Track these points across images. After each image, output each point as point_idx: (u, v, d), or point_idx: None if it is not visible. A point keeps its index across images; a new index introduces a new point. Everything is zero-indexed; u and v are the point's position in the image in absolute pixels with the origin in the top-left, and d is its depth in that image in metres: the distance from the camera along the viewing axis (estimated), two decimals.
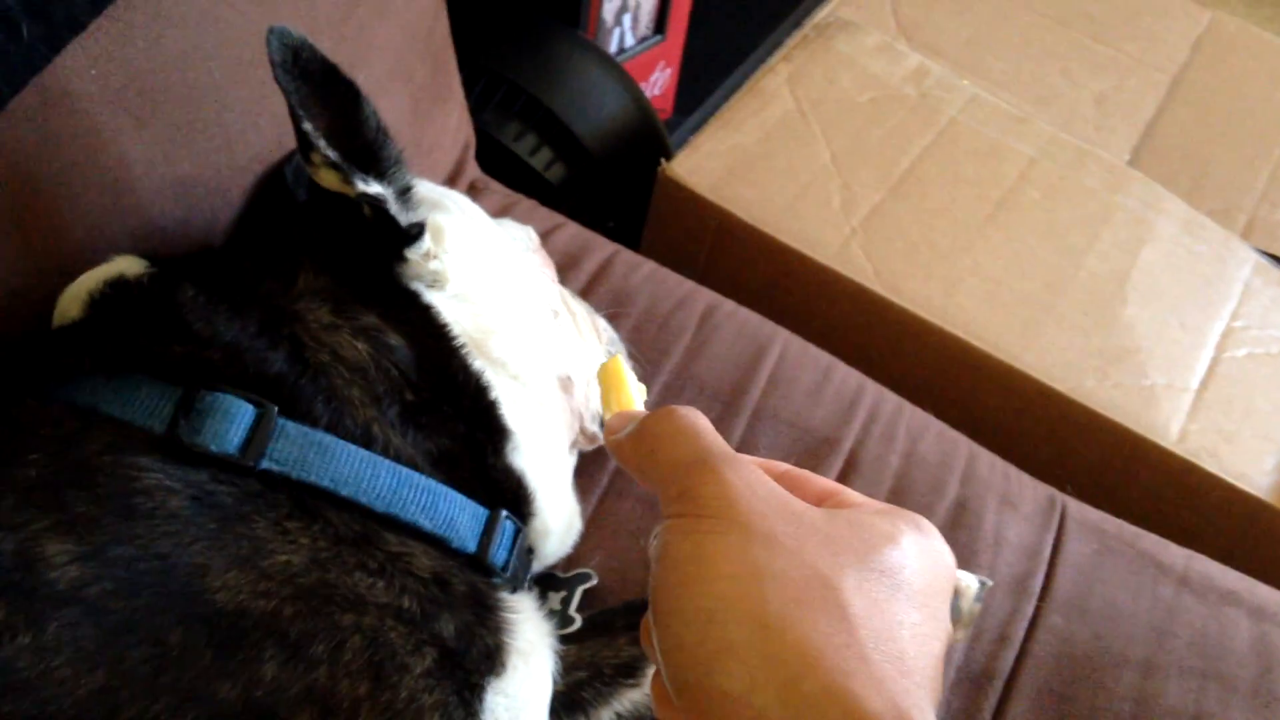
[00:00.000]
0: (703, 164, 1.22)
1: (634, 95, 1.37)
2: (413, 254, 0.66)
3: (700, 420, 0.45)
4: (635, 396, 0.54)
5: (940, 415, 0.98)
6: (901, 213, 1.23)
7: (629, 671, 0.72)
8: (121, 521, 0.52)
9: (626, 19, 1.54)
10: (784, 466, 0.47)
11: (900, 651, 0.37)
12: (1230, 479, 1.06)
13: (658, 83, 1.68)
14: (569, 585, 0.76)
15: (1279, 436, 1.10)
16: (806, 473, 0.47)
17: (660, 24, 1.59)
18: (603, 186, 1.34)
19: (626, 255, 1.00)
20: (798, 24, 1.54)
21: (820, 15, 1.49)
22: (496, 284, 0.71)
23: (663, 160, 1.22)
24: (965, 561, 0.81)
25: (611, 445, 0.48)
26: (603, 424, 0.60)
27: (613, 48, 1.54)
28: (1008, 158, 1.31)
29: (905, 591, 0.39)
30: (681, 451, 0.43)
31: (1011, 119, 1.36)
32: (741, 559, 0.38)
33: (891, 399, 0.94)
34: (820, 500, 0.44)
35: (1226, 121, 1.51)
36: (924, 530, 0.42)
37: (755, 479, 0.41)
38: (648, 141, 1.38)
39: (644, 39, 1.59)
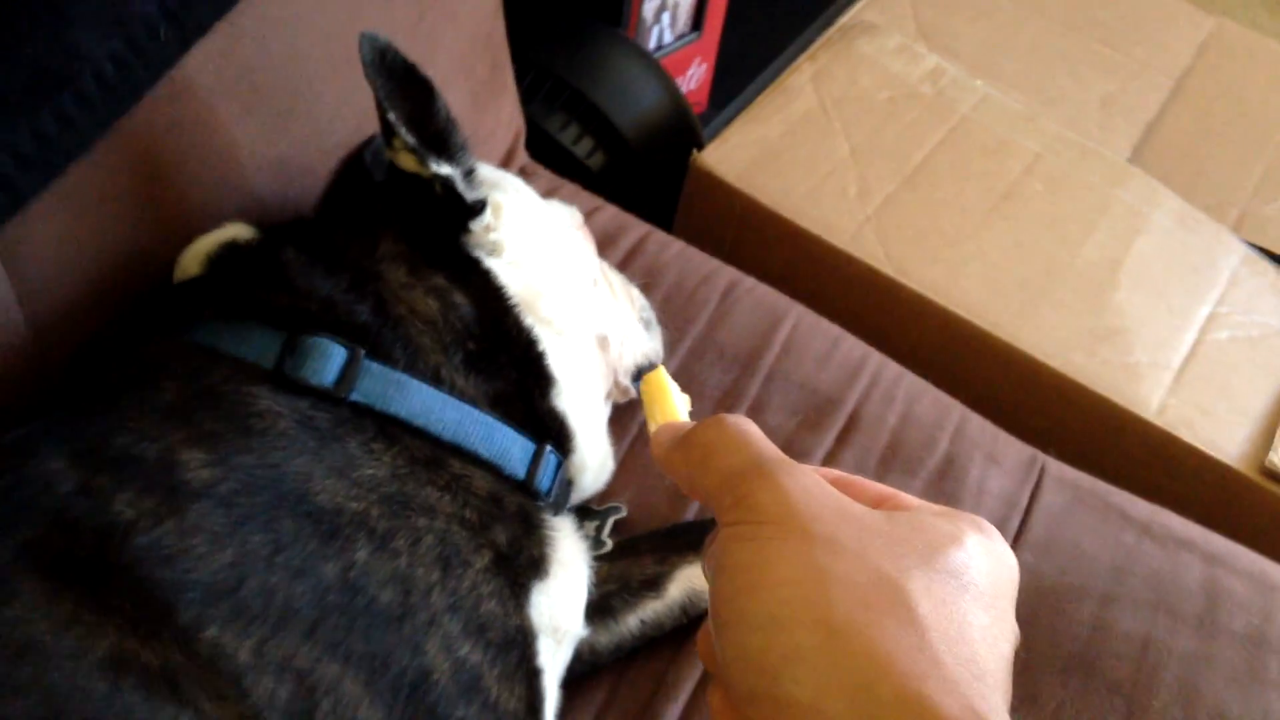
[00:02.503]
0: (731, 155, 1.33)
1: (670, 90, 1.47)
2: (475, 226, 0.77)
3: (750, 427, 0.44)
4: (679, 407, 0.55)
5: (939, 386, 1.06)
6: (913, 202, 1.32)
7: (652, 586, 0.83)
8: (241, 436, 0.63)
9: (665, 17, 1.61)
10: (837, 473, 0.46)
11: (972, 654, 0.36)
12: (1204, 448, 1.15)
13: (694, 77, 1.74)
14: (602, 516, 0.87)
15: (1252, 411, 1.19)
16: (860, 479, 0.46)
17: (697, 22, 1.65)
18: (639, 174, 1.44)
19: (659, 235, 1.11)
20: (828, 24, 1.62)
21: (846, 17, 1.58)
22: (545, 254, 0.82)
23: (694, 150, 1.33)
24: (950, 506, 0.92)
25: (659, 457, 0.48)
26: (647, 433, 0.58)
27: (652, 44, 1.60)
28: (1014, 153, 1.40)
29: (972, 592, 0.38)
30: (734, 460, 0.42)
31: (1020, 117, 1.45)
32: (804, 563, 0.38)
33: (893, 367, 1.05)
34: (877, 504, 0.43)
35: (1225, 123, 1.57)
36: (985, 531, 0.41)
37: (812, 483, 0.41)
38: (681, 133, 1.47)
39: (681, 36, 1.65)
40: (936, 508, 0.42)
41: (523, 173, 1.14)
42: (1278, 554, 1.00)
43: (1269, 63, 1.68)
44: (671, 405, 0.55)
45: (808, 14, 1.90)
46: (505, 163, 1.13)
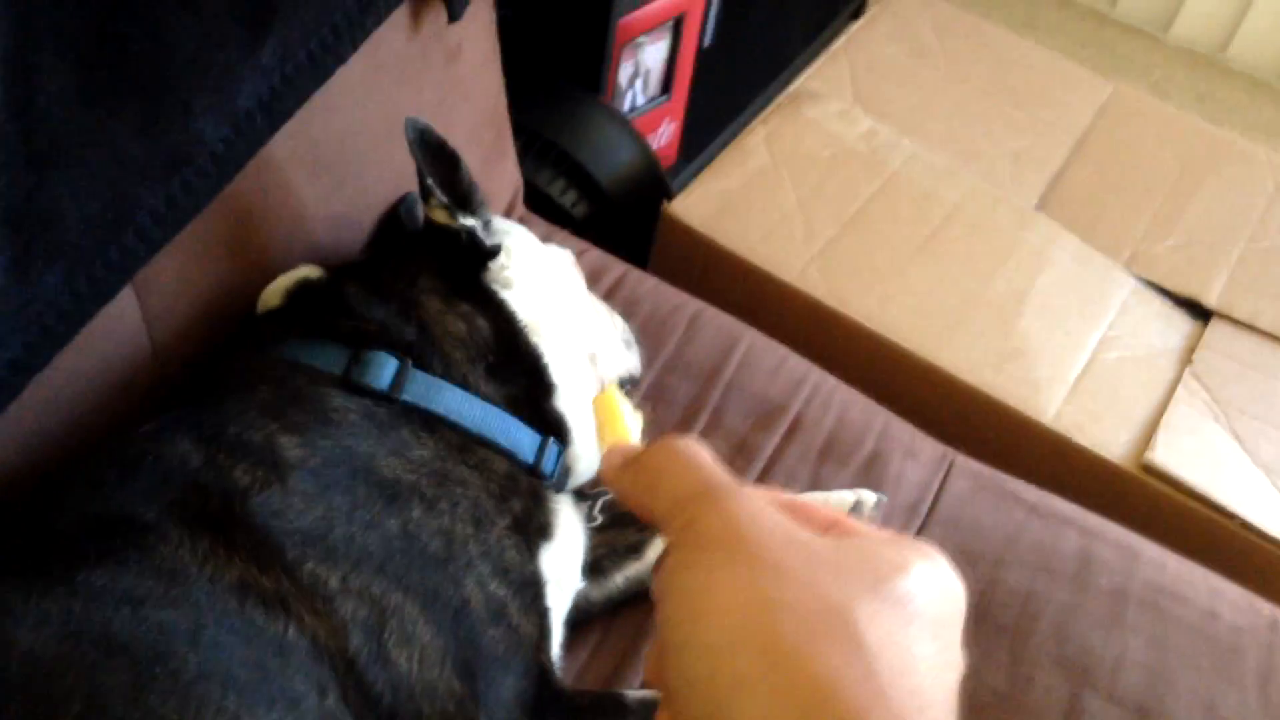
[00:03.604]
0: (696, 205, 1.51)
1: (642, 149, 1.61)
2: (493, 266, 0.93)
3: (700, 451, 0.43)
4: (630, 427, 0.54)
5: (870, 397, 1.24)
6: (851, 244, 1.50)
7: (634, 550, 1.00)
8: (322, 425, 0.77)
9: (639, 83, 1.74)
10: (787, 496, 0.45)
11: (917, 685, 0.35)
12: (1093, 448, 1.33)
13: (664, 134, 1.85)
14: (593, 498, 1.06)
15: (1135, 418, 1.38)
16: (809, 502, 0.44)
17: (667, 85, 1.77)
18: (617, 220, 1.60)
19: (635, 273, 1.29)
20: (782, 87, 1.78)
21: (795, 85, 1.76)
22: (547, 287, 0.98)
23: (665, 201, 1.52)
24: (873, 490, 1.13)
25: (609, 479, 0.47)
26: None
27: (626, 106, 1.73)
28: (937, 202, 1.57)
29: (919, 621, 0.37)
30: (682, 484, 0.41)
31: (942, 171, 1.62)
32: (751, 590, 0.36)
33: (830, 380, 1.23)
34: (826, 529, 0.41)
35: (1120, 174, 1.70)
36: (932, 558, 0.40)
37: (759, 509, 0.39)
38: (652, 185, 1.62)
39: (653, 98, 1.78)
40: (884, 534, 0.41)
41: (521, 222, 1.33)
42: (1153, 537, 1.18)
43: (1159, 123, 1.81)
44: (622, 426, 0.54)
45: (763, 78, 2.06)
46: (507, 214, 1.31)
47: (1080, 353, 1.45)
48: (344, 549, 0.72)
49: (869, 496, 1.06)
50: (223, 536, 0.70)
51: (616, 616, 1.00)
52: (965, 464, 1.20)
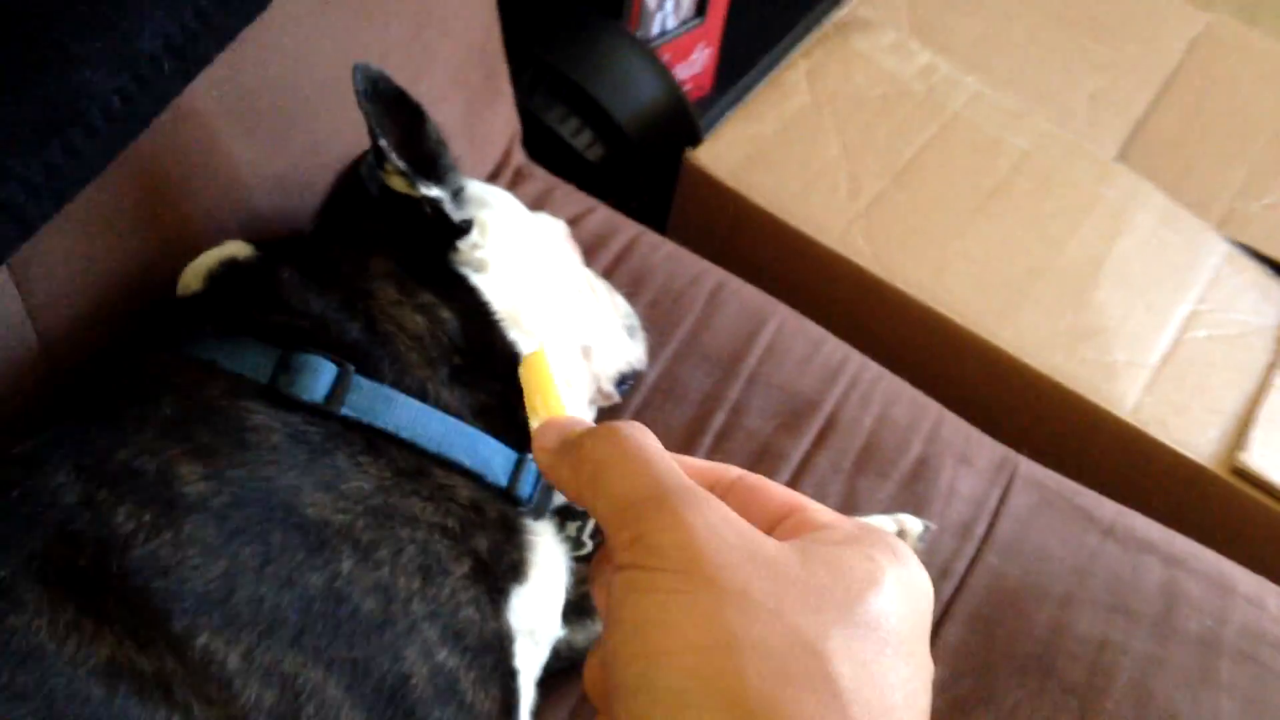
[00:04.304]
0: (724, 152, 1.36)
1: (668, 83, 1.48)
2: (463, 245, 0.81)
3: (649, 442, 0.39)
4: (563, 398, 0.48)
5: (920, 385, 1.10)
6: (901, 201, 1.35)
7: None
8: (236, 451, 0.66)
9: (669, 3, 1.60)
10: (736, 472, 0.43)
11: None
12: (1176, 446, 1.18)
13: (697, 61, 1.72)
14: (584, 516, 0.91)
15: (1226, 410, 1.23)
16: (763, 480, 0.42)
17: (701, 7, 1.64)
18: (637, 166, 1.46)
19: (649, 237, 1.15)
20: (827, 11, 1.64)
21: (843, 12, 1.60)
22: (530, 269, 0.86)
23: (687, 149, 1.36)
24: (920, 509, 0.96)
25: (543, 463, 0.43)
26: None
27: (655, 30, 1.60)
28: (1003, 151, 1.42)
29: (893, 644, 0.35)
30: (629, 485, 0.38)
31: (1009, 115, 1.47)
32: (712, 625, 0.34)
33: (873, 368, 1.08)
34: (782, 516, 0.40)
35: (1213, 120, 1.58)
36: (900, 558, 0.38)
37: (720, 520, 0.36)
38: (679, 126, 1.48)
39: (685, 21, 1.65)
40: (849, 529, 0.39)
41: (518, 174, 1.17)
42: (1245, 551, 1.04)
43: (1260, 60, 1.68)
44: (555, 396, 0.47)
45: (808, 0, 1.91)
46: (501, 164, 1.16)
47: (1163, 331, 1.30)
48: (250, 615, 0.62)
49: (913, 525, 0.90)
50: (93, 602, 0.60)
51: None
52: (1029, 471, 1.03)
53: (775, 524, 0.40)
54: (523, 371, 0.49)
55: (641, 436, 0.39)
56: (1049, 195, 1.40)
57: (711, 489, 0.39)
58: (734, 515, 0.37)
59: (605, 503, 0.38)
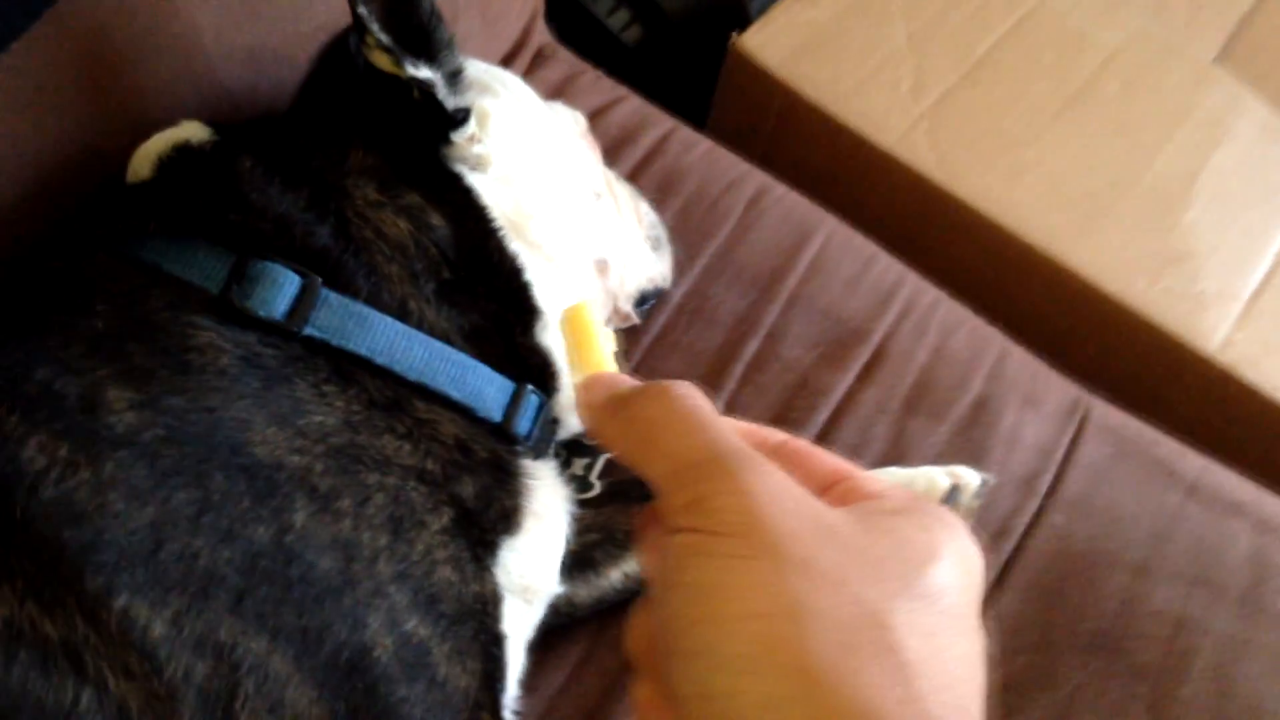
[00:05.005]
0: (775, 38, 1.23)
1: None
2: (458, 137, 0.70)
3: (702, 403, 0.38)
4: (606, 351, 0.46)
5: (983, 312, 1.00)
6: (972, 100, 1.22)
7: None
8: (176, 375, 0.58)
9: None
10: (781, 436, 0.42)
11: (958, 697, 0.33)
12: (1268, 391, 1.07)
13: None
14: (593, 452, 0.81)
15: None
16: (809, 446, 0.41)
17: None
18: (677, 51, 1.35)
19: (684, 133, 1.02)
20: None
21: None
22: (539, 168, 0.74)
23: (734, 33, 1.22)
24: (978, 458, 0.85)
25: (589, 421, 0.42)
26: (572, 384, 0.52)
27: None
28: (1089, 48, 1.29)
29: (952, 617, 0.35)
30: (686, 446, 0.37)
31: (1099, 6, 1.34)
32: (777, 593, 0.33)
33: (930, 292, 0.96)
34: (831, 483, 0.39)
35: None
36: (955, 533, 0.37)
37: (780, 486, 0.35)
38: (727, 5, 1.37)
39: None
40: (901, 498, 0.38)
41: (538, 56, 1.05)
42: None
43: None
44: (598, 350, 0.46)
45: None
46: (520, 44, 1.03)
47: (1260, 259, 1.17)
48: (180, 574, 0.53)
49: (970, 478, 0.79)
50: None
51: (609, 624, 0.78)
52: (1103, 416, 0.92)
53: (823, 492, 0.39)
54: (563, 324, 0.47)
55: (695, 396, 0.39)
56: (1138, 100, 1.27)
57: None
58: (792, 481, 0.36)
59: (660, 464, 0.37)
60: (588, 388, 0.42)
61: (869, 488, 0.39)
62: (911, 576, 0.34)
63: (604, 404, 0.41)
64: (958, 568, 0.36)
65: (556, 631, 0.74)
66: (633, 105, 1.03)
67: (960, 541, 0.37)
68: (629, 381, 0.42)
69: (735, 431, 0.38)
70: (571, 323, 0.47)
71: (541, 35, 1.07)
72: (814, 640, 0.32)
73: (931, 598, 0.34)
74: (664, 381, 0.39)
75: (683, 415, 0.38)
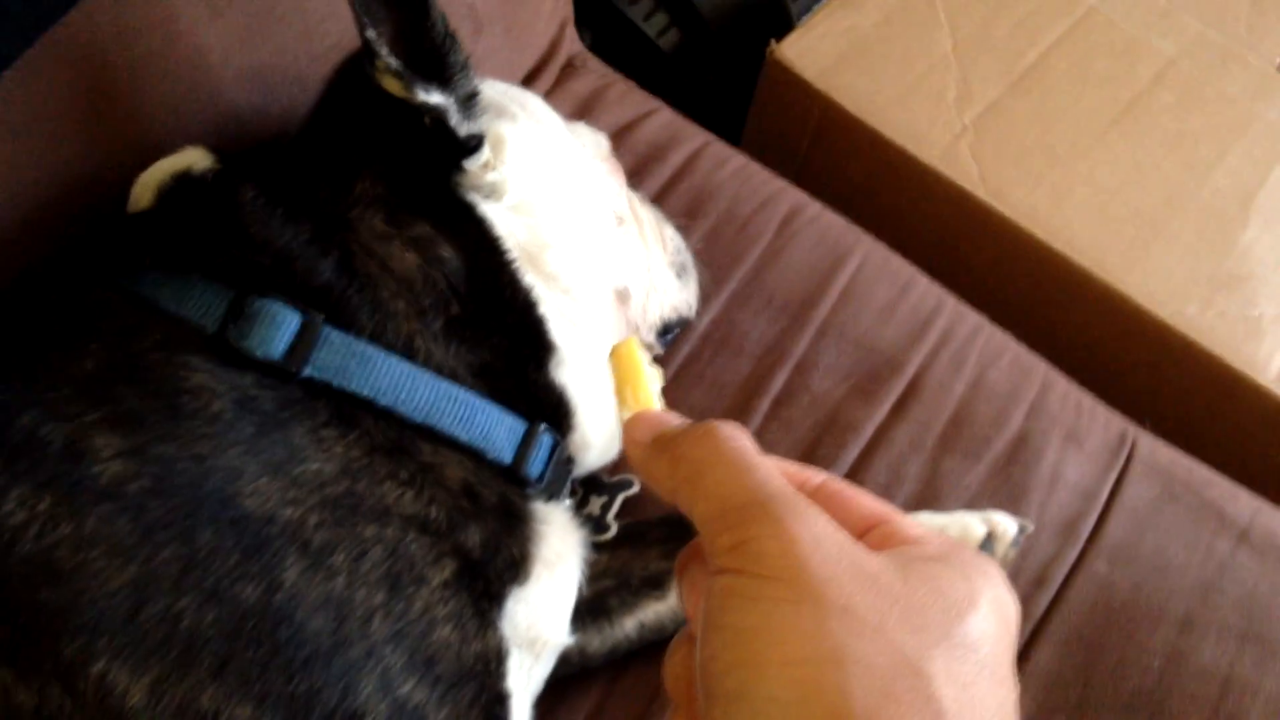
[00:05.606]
0: (814, 46, 1.19)
1: None
2: (471, 165, 0.67)
3: (748, 445, 0.39)
4: (653, 389, 0.48)
5: (1027, 336, 0.97)
6: (1019, 112, 1.18)
7: (656, 584, 0.74)
8: (166, 420, 0.55)
9: None
10: (821, 477, 0.42)
11: None
12: None
13: None
14: (610, 491, 0.78)
15: None
16: (849, 486, 0.42)
17: None
18: (715, 58, 1.31)
19: (717, 148, 0.99)
20: None
21: None
22: (557, 195, 0.71)
23: (773, 40, 1.18)
24: (1016, 500, 0.81)
25: (635, 458, 0.42)
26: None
27: None
28: (1144, 56, 1.26)
29: (989, 667, 0.35)
30: (730, 487, 0.38)
31: (1155, 12, 1.30)
32: (818, 639, 0.34)
33: (970, 320, 0.92)
34: (868, 527, 0.40)
35: None
36: (992, 580, 0.37)
37: (823, 532, 0.36)
38: (768, 10, 1.34)
39: None
40: (940, 545, 0.39)
41: (568, 67, 1.02)
42: None
43: None
44: (645, 387, 0.47)
45: None
46: (548, 55, 1.01)
47: None
48: (160, 637, 0.52)
49: (1008, 527, 0.75)
50: None
51: (623, 674, 0.75)
52: (1151, 453, 0.88)
53: (861, 534, 0.39)
54: (611, 360, 0.48)
55: (741, 438, 0.39)
56: (1196, 112, 1.23)
57: None
58: (834, 526, 0.37)
59: (705, 505, 0.38)
60: (634, 425, 0.43)
61: (908, 532, 0.39)
62: (951, 625, 0.35)
63: (650, 443, 0.41)
64: (994, 616, 0.36)
65: (568, 681, 0.72)
66: (664, 119, 1.00)
67: (997, 590, 0.37)
68: (676, 419, 0.42)
69: (779, 473, 0.38)
70: (619, 359, 0.47)
71: (571, 44, 1.04)
72: (853, 687, 0.33)
73: (969, 647, 0.35)
74: (711, 422, 0.40)
75: (729, 457, 0.38)
